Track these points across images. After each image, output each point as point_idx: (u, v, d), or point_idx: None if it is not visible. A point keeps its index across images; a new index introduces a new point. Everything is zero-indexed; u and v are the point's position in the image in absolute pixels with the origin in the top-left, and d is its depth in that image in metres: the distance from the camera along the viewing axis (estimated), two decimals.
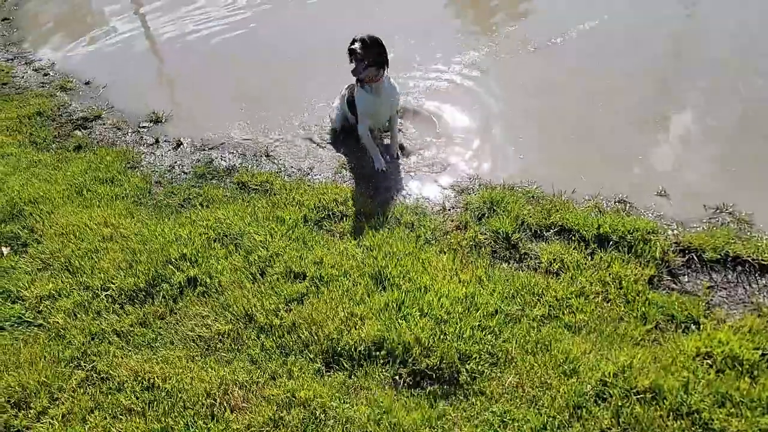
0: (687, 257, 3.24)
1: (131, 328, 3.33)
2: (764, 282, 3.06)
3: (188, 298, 3.48)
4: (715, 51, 5.26)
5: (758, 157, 3.94)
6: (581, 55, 5.66)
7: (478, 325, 2.97)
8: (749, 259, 3.14)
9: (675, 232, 3.43)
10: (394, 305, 3.15)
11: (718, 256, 3.19)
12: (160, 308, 3.43)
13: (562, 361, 2.74)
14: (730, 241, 3.24)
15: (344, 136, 5.00)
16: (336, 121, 4.99)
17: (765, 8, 5.93)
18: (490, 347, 2.86)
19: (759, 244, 3.20)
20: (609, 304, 3.05)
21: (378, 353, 2.91)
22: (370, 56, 4.00)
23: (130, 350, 3.19)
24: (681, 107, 4.55)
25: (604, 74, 5.18)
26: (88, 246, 4.03)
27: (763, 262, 3.11)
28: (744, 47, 5.21)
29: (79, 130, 5.85)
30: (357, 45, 3.91)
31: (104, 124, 5.90)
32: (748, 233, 3.34)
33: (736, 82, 4.72)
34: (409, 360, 2.85)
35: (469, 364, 2.79)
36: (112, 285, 3.64)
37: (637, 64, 5.28)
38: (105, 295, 3.58)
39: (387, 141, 4.85)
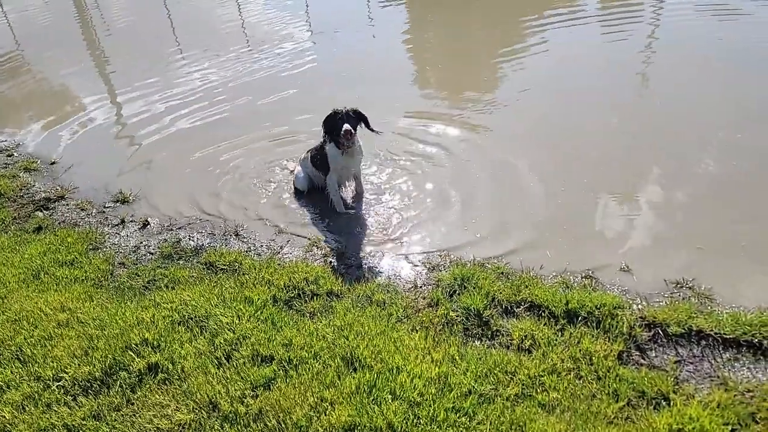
0: (653, 332, 3.29)
1: (83, 422, 3.12)
2: (728, 356, 3.11)
3: (148, 386, 3.31)
4: (675, 127, 5.61)
5: (716, 233, 4.13)
6: (544, 133, 5.96)
7: (452, 407, 2.90)
8: (712, 333, 3.21)
9: (640, 306, 3.51)
10: (366, 388, 3.06)
11: (683, 331, 3.25)
12: (116, 399, 3.25)
13: None
14: (692, 316, 3.32)
15: (317, 214, 5.07)
16: (301, 184, 5.31)
17: (723, 84, 6.44)
18: (464, 430, 2.78)
19: (720, 318, 3.28)
20: (581, 381, 3.03)
21: None
22: (356, 127, 4.63)
23: None
24: (641, 185, 4.77)
25: (568, 152, 5.45)
26: (41, 333, 3.84)
27: (725, 336, 3.18)
28: (705, 124, 5.59)
29: (41, 211, 5.74)
30: (348, 127, 4.51)
31: (68, 204, 5.81)
32: (709, 307, 3.44)
33: (696, 159, 5.02)
34: None
35: None
36: (65, 375, 3.45)
37: (597, 143, 5.58)
38: (57, 386, 3.39)
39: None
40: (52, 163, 6.83)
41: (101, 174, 6.38)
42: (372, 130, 4.82)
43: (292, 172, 5.56)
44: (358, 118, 4.68)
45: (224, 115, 7.56)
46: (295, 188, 5.41)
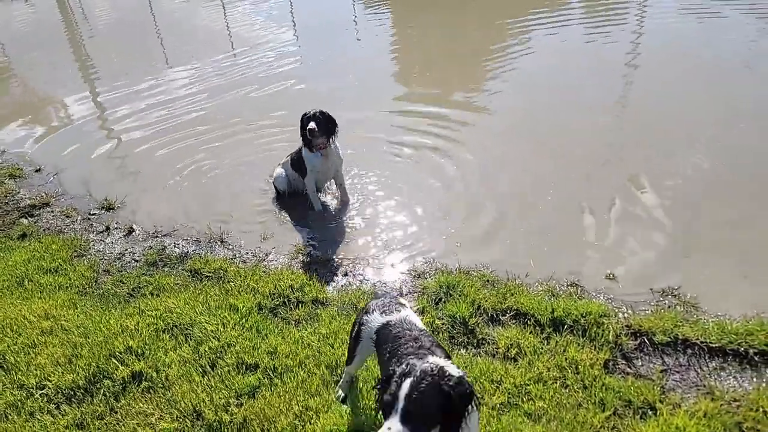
0: (639, 340, 3.29)
1: (66, 431, 3.09)
2: (714, 365, 3.11)
3: (131, 394, 3.27)
4: (659, 134, 5.61)
5: (701, 241, 4.14)
6: (530, 134, 5.97)
7: None
8: (698, 341, 3.21)
9: (625, 315, 3.51)
10: (351, 397, 3.04)
11: (669, 339, 3.25)
12: (100, 407, 3.22)
13: None
14: (678, 324, 3.32)
15: (302, 221, 5.06)
16: (281, 185, 5.37)
17: (708, 83, 6.50)
18: None
19: (706, 327, 3.29)
20: (567, 390, 3.02)
21: None
22: (323, 131, 4.72)
23: None
24: (626, 191, 4.77)
25: (555, 154, 5.46)
26: (25, 340, 3.80)
27: (711, 345, 3.18)
28: (689, 130, 5.60)
29: (26, 218, 5.68)
30: (313, 125, 4.63)
31: (53, 211, 5.75)
32: (695, 316, 3.44)
33: (683, 163, 5.03)
34: None
35: None
36: (48, 383, 3.41)
37: (584, 144, 5.60)
38: (40, 394, 3.35)
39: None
40: (37, 170, 6.75)
41: (87, 180, 6.32)
42: (330, 138, 4.83)
43: (271, 176, 5.55)
44: (326, 120, 4.74)
45: (210, 120, 7.51)
46: (275, 189, 5.42)
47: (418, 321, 2.61)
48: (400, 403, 1.86)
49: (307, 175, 5.02)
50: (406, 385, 1.89)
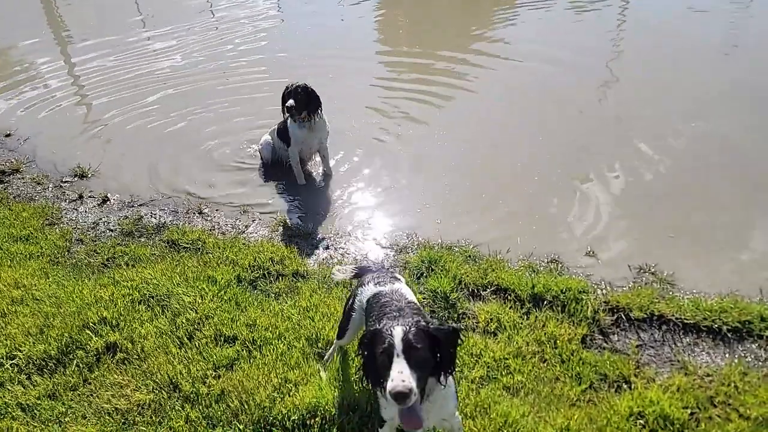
0: (616, 316, 3.34)
1: (38, 401, 3.02)
2: (688, 340, 3.18)
3: (106, 365, 3.21)
4: (638, 117, 5.64)
5: (678, 220, 4.19)
6: (516, 126, 5.90)
7: None
8: (673, 318, 3.27)
9: (604, 291, 3.55)
10: (332, 369, 3.02)
11: (645, 315, 3.31)
12: (73, 378, 3.15)
13: (501, 424, 2.69)
14: (654, 301, 3.38)
15: (284, 194, 5.00)
16: (266, 153, 5.32)
17: (683, 74, 6.53)
18: None
19: (681, 304, 3.35)
20: (545, 365, 3.06)
21: (312, 421, 2.76)
22: (303, 107, 4.63)
23: (35, 426, 2.89)
24: (604, 174, 4.80)
25: (535, 141, 5.45)
26: None
27: (686, 321, 3.24)
28: (665, 113, 5.64)
29: None
30: (291, 102, 4.54)
31: (23, 178, 5.56)
32: (671, 293, 3.50)
33: (659, 148, 5.07)
34: (346, 428, 2.71)
35: None
36: (19, 353, 3.33)
37: (570, 127, 5.59)
38: (11, 365, 3.26)
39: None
40: (7, 135, 6.51)
41: (59, 147, 6.12)
42: (311, 115, 4.73)
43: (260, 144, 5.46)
44: (307, 96, 4.65)
45: (188, 84, 7.32)
46: (260, 157, 5.35)
47: (409, 294, 2.63)
48: (398, 347, 1.96)
49: (291, 145, 4.95)
50: (398, 332, 1.99)
